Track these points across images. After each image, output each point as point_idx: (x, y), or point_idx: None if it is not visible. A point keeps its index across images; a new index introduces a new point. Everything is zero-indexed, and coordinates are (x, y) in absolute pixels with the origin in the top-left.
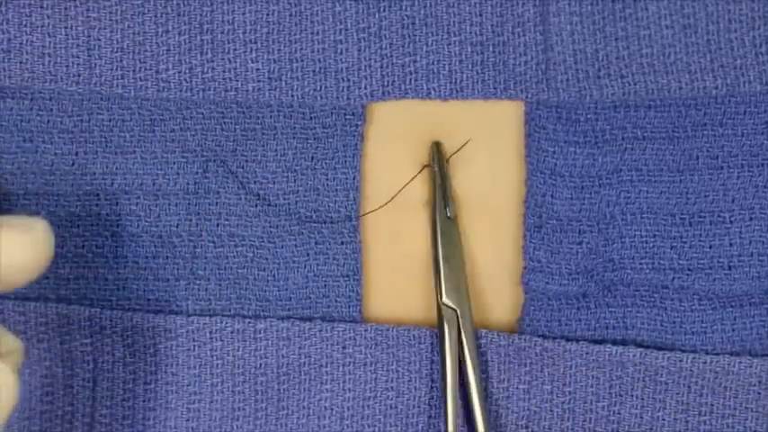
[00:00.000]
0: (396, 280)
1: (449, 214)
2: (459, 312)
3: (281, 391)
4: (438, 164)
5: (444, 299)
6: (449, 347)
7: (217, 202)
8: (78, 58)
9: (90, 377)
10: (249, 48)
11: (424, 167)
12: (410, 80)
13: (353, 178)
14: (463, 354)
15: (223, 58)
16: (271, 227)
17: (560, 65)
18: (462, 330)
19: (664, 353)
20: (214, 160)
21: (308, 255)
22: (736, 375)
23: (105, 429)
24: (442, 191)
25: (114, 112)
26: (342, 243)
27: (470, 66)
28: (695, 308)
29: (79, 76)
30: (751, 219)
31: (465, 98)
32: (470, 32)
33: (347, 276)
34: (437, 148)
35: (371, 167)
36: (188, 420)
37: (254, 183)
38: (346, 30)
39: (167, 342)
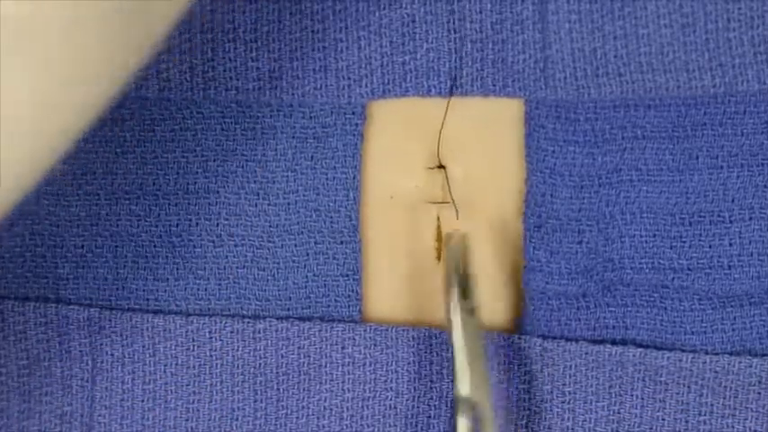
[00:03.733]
0: (396, 280)
1: (472, 306)
2: (482, 409)
3: (281, 391)
4: (462, 260)
5: (468, 393)
6: None
7: (217, 202)
8: None
9: (89, 377)
10: (249, 47)
11: (437, 167)
12: (410, 78)
13: (353, 178)
14: None
15: (223, 57)
16: (270, 227)
17: (558, 63)
18: (484, 426)
19: (663, 353)
20: (214, 160)
21: (307, 255)
22: (736, 375)
23: (104, 429)
24: (463, 284)
25: (114, 112)
26: (342, 243)
27: (470, 63)
28: (695, 307)
29: None
30: (751, 218)
31: (464, 95)
32: (470, 30)
33: (347, 276)
34: (463, 242)
35: (371, 167)
36: (187, 420)
37: (254, 183)
38: (346, 28)
39: (166, 342)
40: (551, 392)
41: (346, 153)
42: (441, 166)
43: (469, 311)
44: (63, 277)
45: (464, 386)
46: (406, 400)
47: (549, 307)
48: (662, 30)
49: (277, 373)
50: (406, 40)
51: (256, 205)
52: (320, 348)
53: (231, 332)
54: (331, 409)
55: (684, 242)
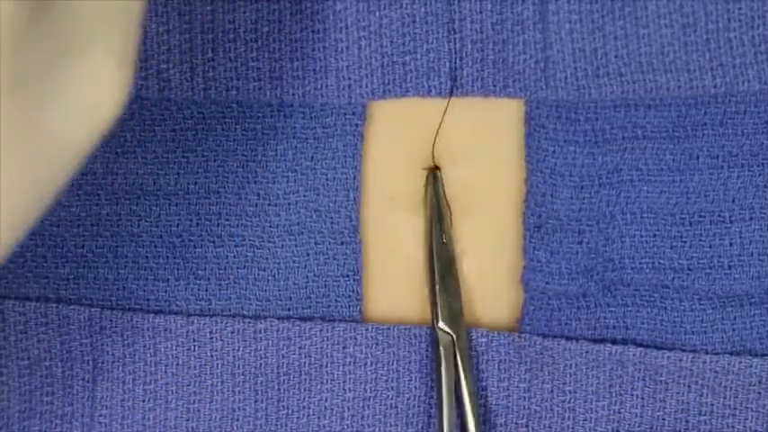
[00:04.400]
0: (396, 280)
1: (444, 240)
2: (455, 338)
3: (281, 391)
4: (434, 191)
5: (440, 324)
6: (445, 371)
7: (217, 202)
8: None
9: (89, 377)
10: (250, 47)
11: (431, 169)
12: (410, 78)
13: (353, 178)
14: (459, 377)
15: (224, 58)
16: (271, 227)
17: (559, 63)
18: (458, 355)
19: (664, 352)
20: (214, 160)
21: (307, 255)
22: (737, 375)
23: (105, 429)
24: (437, 217)
25: None
26: (342, 243)
27: (470, 63)
28: (695, 307)
29: None
30: (751, 218)
31: (465, 95)
32: (470, 30)
33: (347, 276)
34: (434, 175)
35: (372, 167)
36: (188, 420)
37: (254, 183)
38: (346, 28)
39: (167, 342)
40: (551, 392)
41: (346, 153)
42: (436, 168)
43: (445, 244)
44: (64, 277)
45: (442, 318)
46: (407, 400)
47: (549, 307)
48: (662, 30)
49: (278, 373)
50: (406, 40)
51: (257, 205)
52: (321, 348)
53: (232, 332)
54: (332, 409)
55: (685, 242)
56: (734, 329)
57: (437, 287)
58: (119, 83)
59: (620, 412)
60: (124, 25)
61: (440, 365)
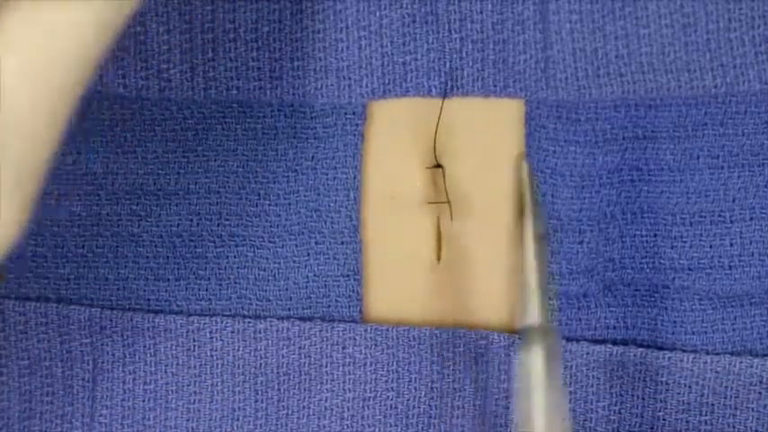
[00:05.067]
0: (396, 280)
1: (541, 231)
2: (552, 335)
3: (281, 391)
4: (530, 178)
5: (538, 320)
6: (534, 373)
7: (217, 202)
8: None
9: (90, 377)
10: (250, 47)
11: (434, 167)
12: (410, 78)
13: (354, 178)
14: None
15: (224, 58)
16: (271, 227)
17: (559, 63)
18: (550, 353)
19: (664, 353)
20: (215, 160)
21: (308, 255)
22: (737, 375)
23: (105, 429)
24: (533, 206)
25: (115, 112)
26: (342, 243)
27: (470, 63)
28: (696, 308)
29: None
30: (752, 218)
31: (465, 95)
32: (471, 30)
33: (347, 276)
34: (527, 162)
35: (372, 167)
36: (188, 420)
37: (254, 183)
38: (347, 28)
39: (167, 342)
40: None
41: (346, 153)
42: (438, 166)
43: (539, 237)
44: (64, 277)
45: (535, 315)
46: (407, 401)
47: (549, 307)
48: (663, 30)
49: (278, 373)
50: (407, 40)
51: (257, 205)
52: (321, 348)
53: (232, 332)
54: (332, 409)
55: (685, 242)
56: (734, 329)
57: (536, 283)
58: (10, 220)
59: (620, 412)
60: (26, 164)
61: (530, 368)
